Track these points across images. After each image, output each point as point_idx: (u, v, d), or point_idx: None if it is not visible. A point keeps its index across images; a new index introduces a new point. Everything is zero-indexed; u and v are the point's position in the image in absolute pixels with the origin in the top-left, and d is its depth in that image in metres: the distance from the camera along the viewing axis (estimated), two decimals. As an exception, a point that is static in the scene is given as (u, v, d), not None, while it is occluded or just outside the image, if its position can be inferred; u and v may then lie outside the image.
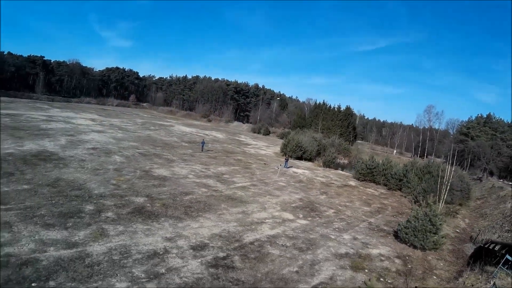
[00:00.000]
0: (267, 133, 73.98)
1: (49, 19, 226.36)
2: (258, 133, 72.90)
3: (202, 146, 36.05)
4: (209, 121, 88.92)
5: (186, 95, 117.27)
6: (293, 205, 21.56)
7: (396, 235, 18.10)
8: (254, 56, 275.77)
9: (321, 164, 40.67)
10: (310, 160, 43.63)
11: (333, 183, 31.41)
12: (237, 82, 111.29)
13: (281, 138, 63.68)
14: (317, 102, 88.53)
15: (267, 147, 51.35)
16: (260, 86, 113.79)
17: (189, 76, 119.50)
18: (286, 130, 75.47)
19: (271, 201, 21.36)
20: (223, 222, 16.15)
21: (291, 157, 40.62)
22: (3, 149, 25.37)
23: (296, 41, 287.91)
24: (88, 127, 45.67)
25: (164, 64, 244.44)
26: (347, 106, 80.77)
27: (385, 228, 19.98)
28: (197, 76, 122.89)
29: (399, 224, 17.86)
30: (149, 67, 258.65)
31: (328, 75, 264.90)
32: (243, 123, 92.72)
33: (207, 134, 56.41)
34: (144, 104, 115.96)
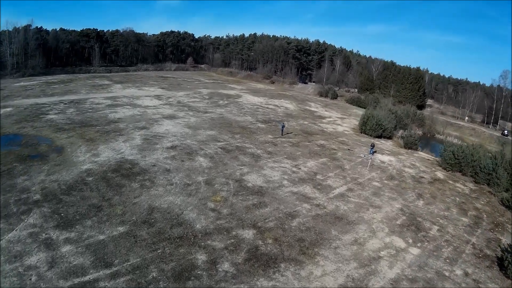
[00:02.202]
0: (335, 96, 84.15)
1: None
2: (326, 96, 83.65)
3: (282, 129, 42.07)
4: (272, 83, 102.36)
5: (245, 55, 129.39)
6: (398, 222, 24.33)
7: (500, 264, 19.81)
8: (308, 6, 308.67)
9: (402, 144, 45.87)
10: (389, 138, 49.75)
11: (423, 177, 34.74)
12: (297, 39, 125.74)
13: (350, 103, 78.26)
14: (386, 61, 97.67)
15: (341, 120, 57.95)
16: (321, 41, 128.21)
17: (246, 35, 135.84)
18: (354, 93, 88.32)
19: (376, 217, 24.43)
20: (343, 263, 18.33)
21: (371, 135, 48.04)
22: (81, 163, 28.77)
23: None
24: (156, 110, 50.26)
25: (215, 20, 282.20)
26: (417, 67, 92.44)
27: (488, 252, 21.79)
28: (255, 34, 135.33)
29: (502, 250, 20.14)
30: (200, 25, 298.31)
31: (386, 24, 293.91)
32: (306, 83, 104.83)
33: (277, 106, 64.85)
34: (202, 65, 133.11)
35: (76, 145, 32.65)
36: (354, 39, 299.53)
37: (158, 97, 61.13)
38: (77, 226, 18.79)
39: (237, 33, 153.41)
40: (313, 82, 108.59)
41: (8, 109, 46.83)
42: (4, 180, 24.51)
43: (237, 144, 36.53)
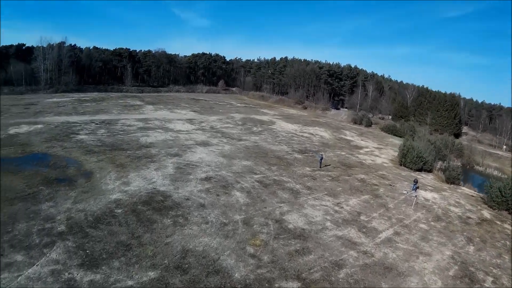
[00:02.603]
0: (369, 124, 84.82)
1: (132, 8, 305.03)
2: (360, 124, 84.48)
3: (320, 161, 41.64)
4: (305, 108, 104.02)
5: (276, 79, 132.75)
6: (450, 273, 22.77)
7: None
8: (334, 29, 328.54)
9: (444, 179, 45.03)
10: (430, 171, 48.83)
11: (470, 218, 33.45)
12: (329, 63, 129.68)
13: (386, 131, 78.24)
14: (420, 86, 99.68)
15: (379, 151, 57.25)
16: (353, 66, 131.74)
17: (277, 57, 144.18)
18: (388, 121, 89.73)
19: (427, 267, 22.91)
20: None
21: (411, 169, 47.54)
22: (110, 191, 28.04)
23: (376, 9, 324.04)
24: (189, 136, 49.97)
25: (244, 42, 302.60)
26: (451, 93, 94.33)
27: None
28: (286, 58, 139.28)
29: None
30: (229, 46, 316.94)
31: (412, 45, 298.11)
32: (338, 108, 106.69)
33: (312, 134, 63.79)
34: (233, 89, 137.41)
35: (105, 170, 32.01)
36: (382, 61, 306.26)
37: (190, 121, 61.05)
38: (103, 267, 17.51)
39: (267, 56, 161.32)
40: (345, 108, 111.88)
41: (39, 126, 47.72)
42: (29, 205, 23.98)
43: (275, 178, 35.46)
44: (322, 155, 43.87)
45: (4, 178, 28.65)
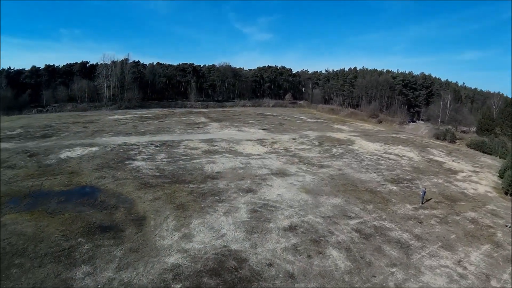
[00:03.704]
0: (453, 139, 78.29)
1: (194, 25, 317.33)
2: (443, 139, 77.94)
3: (423, 196, 35.58)
4: (380, 122, 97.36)
5: (347, 91, 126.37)
6: None
7: None
8: (397, 37, 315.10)
9: None
10: None
11: None
12: (403, 73, 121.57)
13: (474, 148, 70.25)
14: (506, 96, 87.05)
15: (476, 175, 48.35)
16: (427, 74, 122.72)
17: (342, 68, 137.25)
18: (473, 136, 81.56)
19: None
20: None
21: None
22: (166, 250, 21.85)
23: (440, 15, 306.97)
24: (262, 161, 43.39)
25: (306, 53, 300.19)
26: None
27: None
28: (355, 69, 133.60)
29: None
30: (291, 58, 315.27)
31: (481, 49, 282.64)
32: (414, 121, 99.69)
33: (398, 155, 54.60)
34: (301, 102, 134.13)
35: (162, 214, 26.28)
36: (449, 67, 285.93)
37: (261, 141, 54.22)
38: None
39: (334, 67, 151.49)
40: (421, 120, 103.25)
41: (94, 149, 43.69)
42: (60, 269, 18.73)
43: (375, 223, 28.21)
44: (424, 189, 36.60)
45: (41, 221, 24.16)
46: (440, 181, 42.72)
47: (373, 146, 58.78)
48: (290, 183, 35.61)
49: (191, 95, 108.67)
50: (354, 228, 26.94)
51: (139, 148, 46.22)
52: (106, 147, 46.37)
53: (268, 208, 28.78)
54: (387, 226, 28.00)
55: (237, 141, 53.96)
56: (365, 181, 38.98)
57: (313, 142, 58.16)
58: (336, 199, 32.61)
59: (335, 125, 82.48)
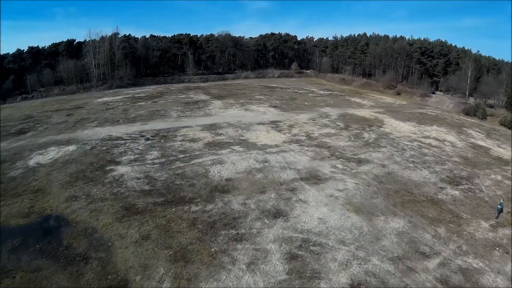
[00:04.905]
0: (485, 116, 68.90)
1: None
2: (473, 115, 69.08)
3: (499, 212, 26.09)
4: (398, 94, 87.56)
5: (358, 59, 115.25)
6: None
7: None
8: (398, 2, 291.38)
9: None
10: None
11: None
12: (420, 40, 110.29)
13: (509, 127, 60.83)
14: None
15: None
16: (443, 41, 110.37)
17: (353, 34, 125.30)
18: (506, 113, 70.06)
19: None
20: None
21: None
22: None
23: None
24: (283, 158, 33.58)
25: (305, 21, 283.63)
26: None
27: None
28: (365, 34, 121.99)
29: None
30: (292, 26, 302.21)
31: (481, 16, 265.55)
32: (433, 93, 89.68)
33: (438, 139, 44.51)
34: (308, 71, 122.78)
35: (153, 275, 17.14)
36: (447, 34, 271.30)
37: (275, 125, 43.96)
38: None
39: (334, 34, 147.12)
40: (440, 91, 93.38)
41: (71, 149, 34.24)
42: None
43: (458, 262, 19.16)
44: (502, 203, 27.27)
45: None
46: (499, 177, 32.97)
47: (406, 128, 48.50)
48: (330, 195, 25.46)
49: (189, 69, 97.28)
50: (437, 277, 18.02)
51: (125, 143, 36.22)
52: (86, 144, 36.55)
53: (311, 248, 18.92)
54: (475, 266, 19.36)
55: (246, 125, 43.36)
56: (419, 184, 29.37)
57: (337, 123, 47.59)
58: (397, 220, 23.06)
59: (352, 99, 71.74)
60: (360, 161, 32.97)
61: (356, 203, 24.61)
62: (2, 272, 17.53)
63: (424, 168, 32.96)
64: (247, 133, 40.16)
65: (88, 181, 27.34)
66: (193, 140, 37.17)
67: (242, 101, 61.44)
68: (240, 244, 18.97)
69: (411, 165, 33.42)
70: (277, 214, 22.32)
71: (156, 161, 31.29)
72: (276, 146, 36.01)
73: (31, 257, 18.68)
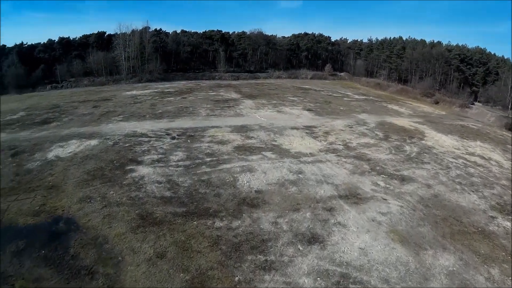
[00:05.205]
0: None
1: None
2: None
3: None
4: (436, 103, 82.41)
5: (393, 63, 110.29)
6: None
7: None
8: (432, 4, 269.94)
9: None
10: None
11: None
12: (459, 46, 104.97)
13: None
14: None
15: None
16: (482, 48, 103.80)
17: (389, 37, 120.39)
18: None
19: None
20: None
21: None
22: None
23: None
24: (319, 169, 30.71)
25: (337, 21, 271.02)
26: None
27: None
28: (401, 38, 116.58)
29: None
30: (322, 27, 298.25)
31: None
32: (472, 104, 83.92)
33: (483, 157, 39.57)
34: (342, 74, 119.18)
35: None
36: (482, 40, 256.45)
37: (310, 130, 41.19)
38: None
39: (367, 36, 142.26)
40: (479, 102, 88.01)
41: (93, 143, 32.78)
42: None
43: None
44: None
45: None
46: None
47: (449, 142, 44.54)
48: (372, 219, 22.41)
49: (220, 65, 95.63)
50: None
51: (150, 141, 34.19)
52: (108, 139, 34.88)
53: (351, 287, 15.29)
54: None
55: (279, 129, 40.53)
56: (469, 211, 25.71)
57: (376, 132, 44.11)
58: (447, 255, 19.74)
59: (389, 105, 67.65)
60: (403, 179, 29.50)
61: (401, 231, 21.32)
62: (2, 277, 15.98)
63: (472, 191, 29.26)
64: (280, 137, 37.36)
65: (106, 181, 25.28)
66: (221, 142, 34.64)
67: (274, 102, 58.68)
68: (268, 274, 16.23)
69: (458, 187, 29.72)
70: (313, 239, 19.38)
71: (180, 163, 28.91)
72: (312, 154, 32.98)
73: (34, 264, 16.95)
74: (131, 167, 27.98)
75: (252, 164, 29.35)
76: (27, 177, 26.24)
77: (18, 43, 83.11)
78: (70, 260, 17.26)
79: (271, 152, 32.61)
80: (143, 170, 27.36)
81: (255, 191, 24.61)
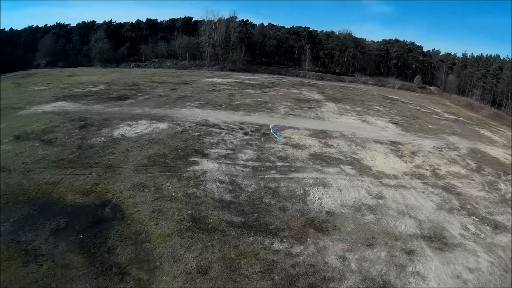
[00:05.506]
0: None
1: None
2: None
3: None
4: None
5: (488, 84, 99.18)
6: None
7: None
8: None
9: None
10: None
11: None
12: None
13: None
14: None
15: None
16: None
17: (486, 54, 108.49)
18: None
19: None
20: None
21: None
22: None
23: None
24: (403, 198, 26.32)
25: (429, 32, 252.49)
26: None
27: None
28: (498, 56, 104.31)
29: None
30: (413, 35, 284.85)
31: None
32: None
33: None
34: (431, 88, 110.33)
35: None
36: None
37: (395, 147, 37.00)
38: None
39: (458, 49, 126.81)
40: None
41: (162, 126, 32.32)
42: None
43: None
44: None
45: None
46: None
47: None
48: (457, 276, 17.87)
49: (305, 63, 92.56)
50: None
51: (221, 133, 32.19)
52: (179, 124, 33.66)
53: None
54: None
55: (362, 141, 36.33)
56: None
57: (467, 161, 37.92)
58: None
59: (482, 131, 58.96)
60: (496, 226, 23.93)
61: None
62: (33, 254, 15.05)
63: None
64: (361, 151, 33.18)
65: (165, 170, 23.50)
66: (297, 146, 31.44)
67: (358, 109, 54.02)
68: None
69: None
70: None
71: (249, 163, 26.32)
72: (395, 177, 28.44)
73: (68, 248, 15.84)
74: (195, 159, 25.90)
75: (327, 177, 25.67)
76: (88, 151, 25.64)
77: (107, 20, 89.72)
78: (105, 252, 15.71)
79: (350, 167, 28.65)
80: (207, 164, 25.11)
81: (326, 212, 21.02)
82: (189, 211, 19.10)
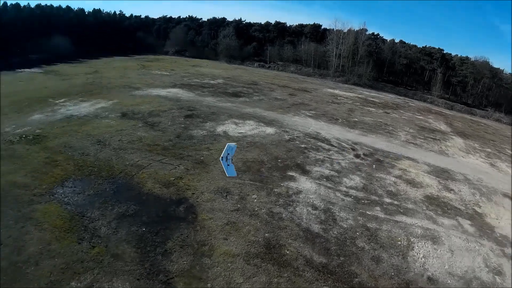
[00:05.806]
0: None
1: (445, 9, 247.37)
2: None
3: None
4: None
5: None
6: None
7: None
8: None
9: None
10: None
11: None
12: None
13: None
14: None
15: None
16: None
17: None
18: None
19: None
20: None
21: None
22: None
23: None
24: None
25: None
26: None
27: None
28: None
29: None
30: None
31: None
32: None
33: None
34: None
35: None
36: None
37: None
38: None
39: None
40: None
41: (268, 131, 32.08)
42: None
43: None
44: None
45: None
46: None
47: None
48: None
49: (435, 88, 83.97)
50: None
51: (330, 150, 29.21)
52: (286, 132, 31.82)
53: None
54: None
55: (488, 190, 29.97)
56: None
57: None
58: None
59: None
60: None
61: None
62: (91, 233, 14.77)
63: None
64: (486, 204, 26.76)
65: (257, 180, 21.32)
66: (411, 183, 26.61)
67: (489, 150, 45.33)
68: None
69: None
70: None
71: (352, 192, 22.72)
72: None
73: (126, 238, 15.00)
74: (294, 174, 23.29)
75: (440, 231, 20.65)
76: (185, 142, 25.15)
77: (237, 18, 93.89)
78: (160, 254, 14.33)
79: (469, 222, 22.94)
80: (304, 183, 22.30)
81: (428, 277, 16.43)
82: (266, 234, 16.45)
